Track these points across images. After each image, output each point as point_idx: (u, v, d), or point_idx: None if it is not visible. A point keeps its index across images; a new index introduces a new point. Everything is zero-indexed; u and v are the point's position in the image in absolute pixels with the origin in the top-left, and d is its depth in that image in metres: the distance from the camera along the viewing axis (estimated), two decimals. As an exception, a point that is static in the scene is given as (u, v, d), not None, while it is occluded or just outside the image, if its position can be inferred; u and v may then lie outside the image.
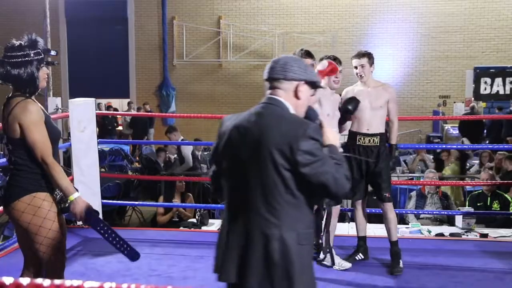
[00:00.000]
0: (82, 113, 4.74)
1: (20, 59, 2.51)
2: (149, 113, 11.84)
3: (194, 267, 3.99)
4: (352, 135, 3.96)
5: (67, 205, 2.54)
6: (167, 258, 4.14)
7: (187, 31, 14.18)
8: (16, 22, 14.49)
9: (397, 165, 8.01)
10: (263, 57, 13.73)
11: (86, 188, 4.79)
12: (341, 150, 2.06)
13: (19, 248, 2.68)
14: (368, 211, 4.68)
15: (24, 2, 13.41)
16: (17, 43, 2.58)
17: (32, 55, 2.54)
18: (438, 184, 5.95)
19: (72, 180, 4.86)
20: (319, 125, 2.00)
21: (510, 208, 5.69)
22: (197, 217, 5.42)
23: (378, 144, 3.88)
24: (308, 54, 3.89)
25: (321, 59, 3.89)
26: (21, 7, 13.93)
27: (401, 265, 3.89)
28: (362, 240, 4.12)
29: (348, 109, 3.81)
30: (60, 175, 2.48)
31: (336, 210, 3.96)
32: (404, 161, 8.51)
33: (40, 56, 2.56)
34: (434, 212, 5.58)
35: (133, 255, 2.72)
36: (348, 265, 3.95)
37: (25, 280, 0.68)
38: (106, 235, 2.67)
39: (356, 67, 3.94)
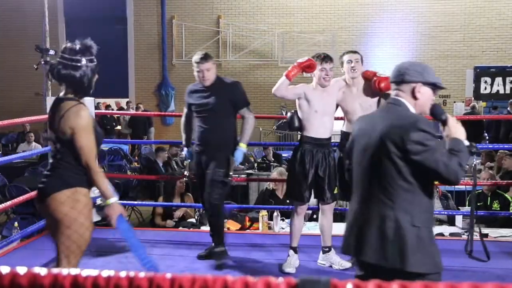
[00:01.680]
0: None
1: (78, 63, 2.66)
2: (149, 113, 11.84)
3: (193, 267, 3.99)
4: (345, 135, 3.93)
5: (103, 206, 2.68)
6: (166, 258, 4.14)
7: (186, 30, 14.18)
8: (15, 22, 14.49)
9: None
10: (263, 57, 13.74)
11: (85, 188, 4.78)
12: (467, 143, 2.26)
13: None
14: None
15: (23, 1, 13.41)
16: (76, 46, 2.70)
17: (88, 60, 2.70)
18: (436, 184, 5.93)
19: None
20: (444, 121, 2.30)
21: (510, 208, 5.69)
22: (196, 217, 5.41)
23: None
24: (318, 58, 3.84)
25: (313, 57, 3.86)
26: (20, 6, 13.92)
27: None
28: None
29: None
30: (101, 179, 2.63)
31: (330, 207, 3.93)
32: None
33: (95, 63, 2.75)
34: (435, 212, 5.57)
35: (153, 267, 2.69)
36: (348, 265, 3.94)
37: (21, 270, 0.69)
38: (131, 242, 2.74)
39: (351, 61, 3.85)
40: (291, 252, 3.95)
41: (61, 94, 2.69)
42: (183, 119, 4.26)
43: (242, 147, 3.92)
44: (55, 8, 13.52)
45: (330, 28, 13.53)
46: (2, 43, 14.71)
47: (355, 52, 3.97)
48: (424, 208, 2.19)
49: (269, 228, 4.95)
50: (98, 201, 2.76)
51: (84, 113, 2.58)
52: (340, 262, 3.95)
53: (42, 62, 5.39)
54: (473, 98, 13.30)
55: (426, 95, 2.27)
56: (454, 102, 13.41)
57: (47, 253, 4.28)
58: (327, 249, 4.00)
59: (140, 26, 14.51)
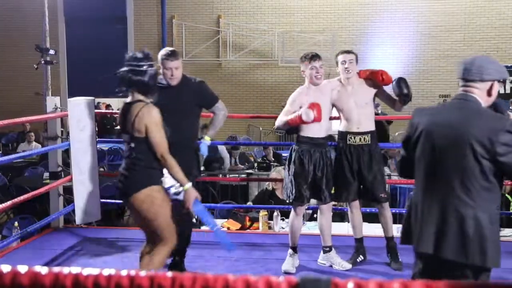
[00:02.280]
0: (81, 112, 4.74)
1: (144, 69, 2.99)
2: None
3: (192, 266, 3.99)
4: (343, 135, 3.95)
5: (179, 193, 3.11)
6: (166, 258, 4.13)
7: (186, 30, 14.17)
8: (15, 21, 14.49)
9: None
10: (263, 56, 13.74)
11: (85, 187, 4.79)
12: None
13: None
14: (368, 210, 4.69)
15: (23, 1, 13.41)
16: (139, 55, 3.03)
17: (149, 66, 3.02)
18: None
19: (70, 180, 4.85)
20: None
21: (510, 208, 5.69)
22: (196, 216, 5.41)
23: (370, 143, 3.86)
24: (306, 57, 3.87)
25: (301, 57, 3.90)
26: (20, 6, 13.92)
27: (400, 259, 3.93)
28: (359, 242, 4.10)
29: (405, 93, 3.74)
30: (176, 168, 2.98)
31: (328, 206, 3.94)
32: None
33: (155, 67, 3.07)
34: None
35: (229, 245, 3.11)
36: (348, 265, 3.95)
37: (22, 268, 0.69)
38: (208, 223, 3.19)
39: (344, 62, 3.87)
40: (291, 251, 3.96)
41: (129, 99, 3.05)
42: None
43: (207, 140, 3.84)
44: (55, 7, 13.51)
45: (330, 28, 13.53)
46: (2, 43, 14.71)
47: (349, 52, 3.96)
48: (497, 206, 2.30)
49: (269, 228, 4.95)
50: (173, 190, 3.17)
51: (155, 111, 2.94)
52: (341, 262, 3.96)
53: (42, 62, 5.40)
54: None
55: (496, 91, 2.35)
56: (454, 102, 13.42)
57: (47, 252, 4.29)
58: (327, 248, 4.00)
59: (140, 26, 14.51)
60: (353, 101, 3.87)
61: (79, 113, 4.72)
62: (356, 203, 4.04)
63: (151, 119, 2.92)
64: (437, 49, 13.47)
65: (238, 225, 5.07)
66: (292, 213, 3.96)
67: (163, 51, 3.71)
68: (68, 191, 5.11)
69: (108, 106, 14.21)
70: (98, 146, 5.27)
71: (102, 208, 5.01)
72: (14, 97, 14.87)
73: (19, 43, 14.18)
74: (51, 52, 5.39)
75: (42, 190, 4.73)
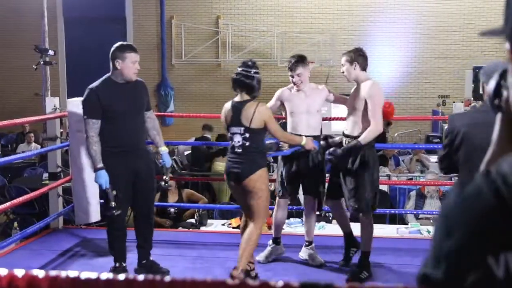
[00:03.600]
0: (81, 113, 4.72)
1: (252, 75, 3.57)
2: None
3: (193, 267, 3.99)
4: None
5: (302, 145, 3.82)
6: (166, 259, 4.13)
7: (185, 30, 14.17)
8: (14, 22, 14.47)
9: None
10: (262, 57, 13.72)
11: (84, 188, 4.78)
12: None
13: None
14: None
15: (22, 1, 13.39)
16: (249, 63, 3.66)
17: (256, 72, 3.60)
18: (436, 184, 5.93)
19: (69, 181, 4.84)
20: None
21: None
22: (195, 217, 5.41)
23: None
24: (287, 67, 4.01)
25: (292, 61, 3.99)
26: (19, 6, 13.90)
27: (363, 276, 3.79)
28: (347, 235, 4.13)
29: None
30: (289, 136, 3.84)
31: (311, 203, 4.05)
32: (403, 161, 8.51)
33: (259, 74, 3.63)
34: (434, 212, 5.57)
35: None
36: (319, 261, 4.05)
37: (19, 272, 0.68)
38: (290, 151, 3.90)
39: (342, 65, 3.93)
40: (270, 242, 4.19)
41: (238, 98, 3.61)
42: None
43: (166, 150, 3.93)
44: (54, 8, 13.50)
45: (329, 29, 13.53)
46: (1, 44, 14.70)
47: (344, 54, 3.91)
48: None
49: (269, 228, 4.95)
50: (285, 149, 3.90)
51: (266, 108, 3.61)
52: (315, 258, 4.07)
53: (41, 62, 5.39)
54: (472, 99, 13.30)
55: None
56: (453, 102, 13.37)
57: (47, 253, 4.28)
58: (307, 243, 4.15)
59: (139, 26, 14.50)
60: (351, 103, 3.93)
61: (78, 114, 4.71)
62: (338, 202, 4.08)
63: (268, 114, 3.58)
64: (436, 49, 13.47)
65: (239, 222, 5.12)
66: (275, 206, 4.18)
67: (124, 44, 3.66)
68: (68, 192, 5.11)
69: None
70: (97, 147, 5.25)
71: (101, 209, 5.00)
72: (13, 97, 14.85)
73: (18, 44, 14.17)
74: (50, 52, 5.38)
75: (41, 190, 4.73)
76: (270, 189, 3.81)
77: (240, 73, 3.58)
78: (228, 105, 3.68)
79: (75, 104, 4.77)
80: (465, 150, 2.65)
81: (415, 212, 5.60)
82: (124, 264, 3.74)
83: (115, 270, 3.70)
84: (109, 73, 3.58)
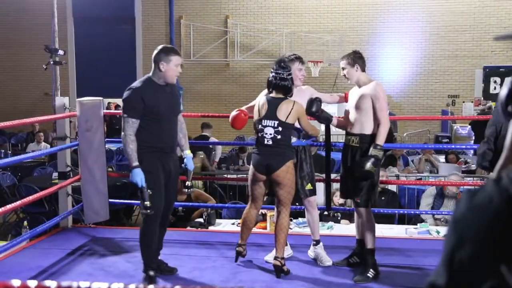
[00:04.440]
0: (90, 113, 4.75)
1: (287, 76, 3.79)
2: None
3: (201, 267, 3.99)
4: (372, 138, 3.90)
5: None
6: (173, 258, 4.14)
7: (194, 30, 14.19)
8: (24, 22, 14.57)
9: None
10: (271, 57, 13.71)
11: (93, 187, 4.80)
12: None
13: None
14: (376, 211, 4.67)
15: (32, 1, 13.48)
16: (282, 63, 3.81)
17: (288, 74, 3.80)
18: (441, 184, 5.89)
19: (79, 180, 4.87)
20: None
21: None
22: (204, 217, 5.41)
23: (358, 145, 3.86)
24: (297, 59, 4.04)
25: (287, 58, 4.03)
26: (29, 6, 14.00)
27: (370, 275, 3.79)
28: (358, 243, 4.08)
29: (312, 112, 3.94)
30: (315, 128, 4.01)
31: (309, 202, 4.04)
32: (412, 161, 8.47)
33: (292, 76, 3.82)
34: (450, 213, 5.54)
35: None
36: (327, 262, 4.02)
37: (32, 283, 0.68)
38: None
39: (343, 69, 4.03)
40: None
41: (273, 94, 3.83)
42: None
43: (191, 155, 3.92)
44: (63, 8, 13.58)
45: (338, 28, 13.50)
46: (11, 43, 14.80)
47: (342, 58, 3.99)
48: None
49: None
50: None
51: (301, 105, 3.82)
52: (322, 258, 4.04)
53: (51, 62, 5.41)
54: (482, 98, 13.20)
55: None
56: (463, 102, 13.32)
57: (56, 252, 4.30)
58: (315, 242, 4.12)
59: (148, 26, 14.55)
60: (352, 104, 3.96)
61: (87, 113, 4.74)
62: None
63: (303, 110, 3.83)
64: (446, 49, 13.39)
65: None
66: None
67: (168, 47, 3.65)
68: (77, 191, 5.13)
69: (117, 107, 14.25)
70: (106, 146, 5.28)
71: (111, 208, 5.02)
72: (23, 97, 14.96)
73: (28, 44, 14.27)
74: (60, 52, 5.40)
75: (51, 190, 4.75)
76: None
77: (276, 76, 3.78)
78: (263, 99, 3.86)
79: (85, 104, 4.80)
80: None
81: (424, 212, 5.55)
82: (152, 273, 3.63)
83: (149, 279, 3.60)
84: (149, 74, 3.58)
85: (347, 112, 4.00)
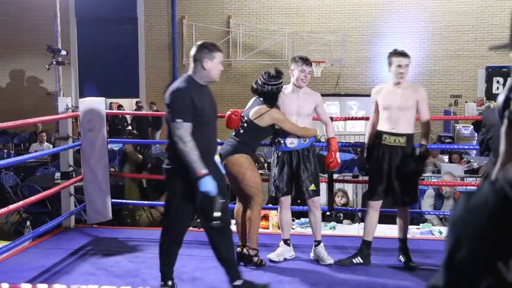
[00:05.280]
0: (92, 113, 4.76)
1: (269, 85, 3.89)
2: (157, 113, 11.82)
3: (203, 267, 4.00)
4: (379, 134, 3.95)
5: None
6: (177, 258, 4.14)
7: (196, 30, 14.20)
8: (27, 22, 14.60)
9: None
10: (273, 57, 13.72)
11: (96, 187, 4.81)
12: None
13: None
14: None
15: (35, 1, 13.51)
16: (271, 73, 3.92)
17: (277, 84, 3.91)
18: (449, 185, 5.88)
19: (81, 180, 4.88)
20: None
21: None
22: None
23: (404, 145, 3.87)
24: (301, 59, 4.04)
25: (293, 58, 4.10)
26: (32, 6, 14.03)
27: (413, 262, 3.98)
28: (366, 244, 4.08)
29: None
30: (305, 130, 4.00)
31: (313, 203, 4.04)
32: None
33: (278, 86, 3.91)
34: (446, 213, 5.54)
35: None
36: (329, 261, 4.03)
37: (4, 286, 0.69)
38: None
39: (400, 66, 3.89)
40: (281, 242, 4.19)
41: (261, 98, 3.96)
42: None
43: (219, 159, 3.63)
44: (66, 8, 13.60)
45: (341, 28, 13.49)
46: (14, 44, 14.83)
47: (406, 55, 3.94)
48: None
49: (279, 228, 4.95)
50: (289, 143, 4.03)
51: (278, 112, 3.93)
52: (323, 257, 4.06)
53: (54, 62, 5.43)
54: (485, 98, 13.18)
55: None
56: (466, 102, 13.30)
57: (59, 252, 4.31)
58: (316, 243, 4.13)
59: (150, 26, 14.57)
60: (399, 102, 3.90)
61: (90, 114, 4.75)
62: (378, 203, 4.08)
63: (279, 117, 3.92)
64: (448, 49, 13.37)
65: None
66: (278, 207, 4.21)
67: (209, 42, 3.31)
68: (79, 191, 5.14)
69: (119, 107, 14.26)
70: (109, 146, 5.28)
71: (113, 208, 5.03)
72: (26, 97, 14.99)
73: (31, 44, 14.30)
74: (63, 52, 5.42)
75: (53, 190, 4.76)
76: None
77: (257, 81, 3.95)
78: (253, 99, 4.06)
79: (87, 104, 4.81)
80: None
81: (425, 213, 5.55)
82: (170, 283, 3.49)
83: None
84: (189, 74, 3.24)
85: (387, 112, 3.92)
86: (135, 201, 6.49)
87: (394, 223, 4.53)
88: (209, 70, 3.20)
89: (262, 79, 3.93)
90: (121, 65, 14.49)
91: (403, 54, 3.92)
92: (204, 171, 3.05)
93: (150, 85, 14.67)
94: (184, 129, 3.07)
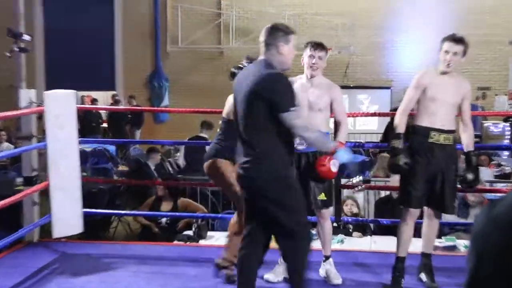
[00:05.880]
0: (61, 108, 4.74)
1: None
2: (137, 108, 11.86)
3: (194, 287, 3.98)
4: (422, 131, 3.90)
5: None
6: (158, 277, 4.13)
7: (182, 12, 14.19)
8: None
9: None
10: (271, 43, 13.72)
11: (65, 195, 4.79)
12: None
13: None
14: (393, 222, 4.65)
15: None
16: (253, 58, 3.78)
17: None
18: (476, 191, 5.86)
19: (47, 186, 4.85)
20: None
21: None
22: (193, 229, 5.40)
23: (452, 143, 3.89)
24: (308, 44, 4.02)
25: (307, 45, 4.01)
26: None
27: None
28: (401, 262, 4.05)
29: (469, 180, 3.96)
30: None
31: (322, 215, 4.03)
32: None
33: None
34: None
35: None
36: (337, 281, 4.03)
37: None
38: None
39: (447, 52, 3.84)
40: (280, 259, 4.07)
41: None
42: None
43: None
44: (31, -14, 13.56)
45: (350, 10, 13.50)
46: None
47: (456, 41, 3.87)
48: None
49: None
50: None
51: None
52: (331, 275, 4.06)
53: (16, 49, 5.39)
54: (517, 91, 13.21)
55: None
56: (496, 95, 13.33)
57: (20, 271, 4.28)
58: (324, 258, 4.14)
59: (129, 8, 14.55)
60: (450, 94, 3.87)
61: (58, 109, 4.72)
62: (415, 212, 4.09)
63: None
64: (475, 33, 13.37)
65: None
66: None
67: (281, 23, 3.49)
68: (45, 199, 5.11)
69: (93, 101, 14.25)
70: (80, 147, 5.26)
71: (85, 219, 5.01)
72: (-17, 90, 14.94)
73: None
74: (26, 37, 5.37)
75: (14, 198, 4.73)
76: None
77: (238, 66, 3.98)
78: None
79: (55, 97, 4.78)
80: None
81: (458, 224, 5.55)
82: None
83: None
84: (263, 58, 3.32)
85: (434, 105, 3.88)
86: (110, 211, 6.46)
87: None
88: (285, 55, 3.28)
89: (244, 62, 3.99)
90: (94, 53, 14.46)
91: (454, 40, 3.86)
92: (333, 143, 3.53)
93: (129, 76, 14.65)
94: (298, 118, 3.21)
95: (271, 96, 3.10)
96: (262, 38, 3.30)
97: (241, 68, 3.86)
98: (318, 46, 3.97)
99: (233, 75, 3.98)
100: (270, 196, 3.19)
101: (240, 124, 3.23)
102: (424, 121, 3.89)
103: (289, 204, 3.23)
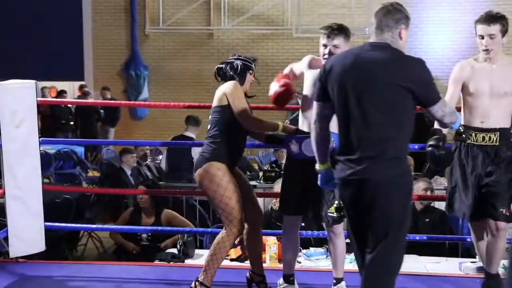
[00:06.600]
0: (18, 101, 4.73)
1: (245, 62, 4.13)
2: (111, 101, 11.82)
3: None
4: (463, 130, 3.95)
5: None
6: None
7: (164, -13, 14.20)
8: None
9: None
10: (271, 24, 13.72)
11: (23, 205, 4.78)
12: None
13: None
14: (417, 238, 4.65)
15: None
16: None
17: (248, 62, 4.14)
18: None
19: (2, 195, 4.85)
20: None
21: None
22: (178, 246, 5.40)
23: (497, 144, 3.87)
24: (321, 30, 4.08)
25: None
26: None
27: None
28: (495, 279, 4.10)
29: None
30: (262, 123, 4.22)
31: (334, 230, 4.05)
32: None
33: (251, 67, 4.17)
34: None
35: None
36: None
37: None
38: None
39: (482, 37, 3.85)
40: (281, 281, 4.21)
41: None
42: None
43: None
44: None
45: (365, -16, 13.53)
46: None
47: (492, 20, 3.85)
48: None
49: (279, 261, 4.95)
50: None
51: (234, 83, 4.06)
52: None
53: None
54: None
55: None
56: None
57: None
58: (335, 281, 4.16)
59: (100, -18, 14.55)
60: (488, 85, 3.88)
61: (14, 102, 4.72)
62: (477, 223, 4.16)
63: (232, 88, 4.03)
64: (513, 12, 13.42)
65: (239, 252, 5.16)
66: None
67: (399, 4, 3.51)
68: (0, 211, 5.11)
69: (60, 93, 14.17)
70: (41, 149, 5.25)
71: (48, 235, 5.00)
72: None
73: None
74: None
75: (-38, 209, 4.73)
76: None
77: (226, 62, 4.13)
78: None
79: (10, 89, 4.78)
80: None
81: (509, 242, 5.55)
82: None
83: None
84: (387, 43, 3.38)
85: (474, 99, 3.94)
86: (78, 225, 6.45)
87: (438, 254, 4.53)
88: (404, 41, 3.34)
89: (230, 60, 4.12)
90: (59, 36, 14.43)
91: (486, 20, 3.85)
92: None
93: (100, 63, 14.62)
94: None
95: (424, 83, 3.20)
96: (377, 19, 3.39)
97: (228, 64, 4.03)
98: (333, 31, 4.01)
99: (219, 71, 4.07)
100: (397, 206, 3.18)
101: (362, 120, 3.15)
102: (463, 119, 3.94)
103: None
